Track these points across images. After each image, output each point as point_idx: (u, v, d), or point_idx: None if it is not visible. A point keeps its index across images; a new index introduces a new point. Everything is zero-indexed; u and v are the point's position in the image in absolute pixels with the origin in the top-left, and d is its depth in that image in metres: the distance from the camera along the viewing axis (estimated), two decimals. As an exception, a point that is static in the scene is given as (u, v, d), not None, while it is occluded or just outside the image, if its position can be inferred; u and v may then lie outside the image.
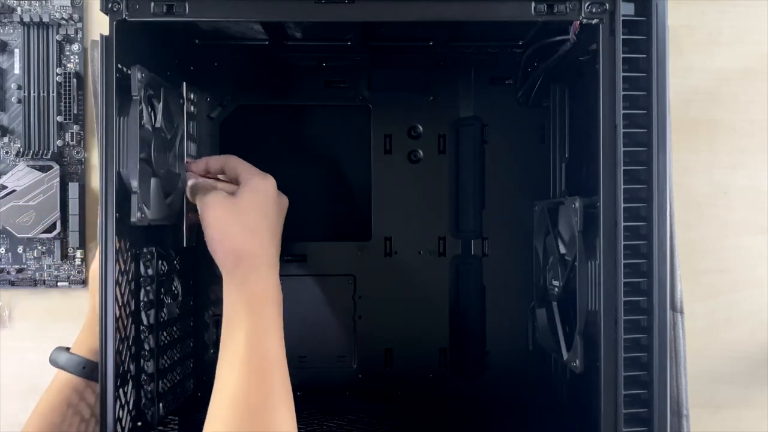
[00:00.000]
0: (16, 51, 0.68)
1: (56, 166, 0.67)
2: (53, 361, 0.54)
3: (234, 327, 0.49)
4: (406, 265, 0.68)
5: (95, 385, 0.52)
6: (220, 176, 0.58)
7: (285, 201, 0.58)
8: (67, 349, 0.55)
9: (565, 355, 0.56)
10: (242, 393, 0.46)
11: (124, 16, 0.47)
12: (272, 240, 0.54)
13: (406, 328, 0.68)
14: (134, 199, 0.49)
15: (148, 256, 0.55)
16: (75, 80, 0.68)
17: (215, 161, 0.58)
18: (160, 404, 0.57)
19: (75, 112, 0.68)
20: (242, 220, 0.52)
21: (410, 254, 0.68)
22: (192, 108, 0.62)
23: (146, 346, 0.55)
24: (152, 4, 0.47)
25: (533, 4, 0.48)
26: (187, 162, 0.58)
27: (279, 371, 0.48)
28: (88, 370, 0.53)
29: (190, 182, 0.57)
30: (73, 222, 0.67)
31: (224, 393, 0.47)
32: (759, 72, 0.71)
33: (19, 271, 0.69)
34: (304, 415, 0.63)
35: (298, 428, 0.58)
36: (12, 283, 0.69)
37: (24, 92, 0.68)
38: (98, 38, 0.47)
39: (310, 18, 0.48)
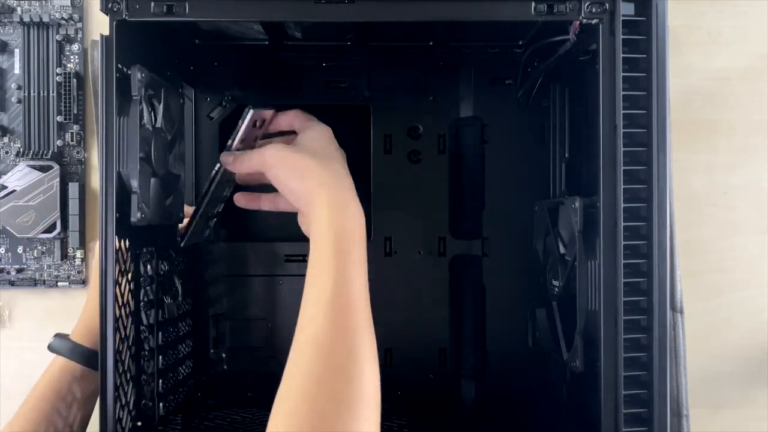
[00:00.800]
0: (16, 51, 0.68)
1: (56, 166, 0.67)
2: (52, 348, 0.55)
3: (320, 265, 0.46)
4: (406, 265, 0.68)
5: (92, 373, 0.53)
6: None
7: (343, 152, 0.56)
8: (67, 336, 0.55)
9: (565, 355, 0.56)
10: (326, 337, 0.44)
11: (124, 16, 0.47)
12: (349, 178, 0.52)
13: (406, 328, 0.68)
14: (134, 199, 0.49)
15: (148, 256, 0.55)
16: (75, 80, 0.68)
17: (275, 115, 0.56)
18: (160, 404, 0.57)
19: (75, 112, 0.68)
20: (314, 152, 0.51)
21: (410, 254, 0.68)
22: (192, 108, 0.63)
23: (146, 346, 0.55)
24: (152, 4, 0.47)
25: (533, 4, 0.48)
26: (228, 144, 0.55)
27: (364, 317, 0.46)
28: (87, 358, 0.54)
29: (231, 158, 0.54)
30: (73, 222, 0.67)
31: (307, 334, 0.44)
32: (759, 72, 0.71)
33: (19, 271, 0.69)
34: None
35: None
36: (12, 283, 0.69)
37: (24, 92, 0.68)
38: (98, 38, 0.47)
39: (310, 18, 0.48)
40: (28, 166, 0.67)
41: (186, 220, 0.60)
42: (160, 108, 0.53)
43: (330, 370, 0.43)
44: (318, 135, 0.53)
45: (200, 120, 0.67)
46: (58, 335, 0.55)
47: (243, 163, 0.52)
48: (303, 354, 0.44)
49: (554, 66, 0.59)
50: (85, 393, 0.54)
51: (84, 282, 0.69)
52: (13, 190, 0.67)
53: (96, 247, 0.51)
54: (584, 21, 0.48)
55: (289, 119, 0.56)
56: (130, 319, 0.52)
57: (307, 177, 0.49)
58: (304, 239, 0.68)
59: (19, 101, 0.68)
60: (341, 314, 0.45)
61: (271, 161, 0.51)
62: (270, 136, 0.57)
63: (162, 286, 0.58)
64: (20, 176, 0.67)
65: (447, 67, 0.68)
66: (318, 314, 0.45)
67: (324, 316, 0.44)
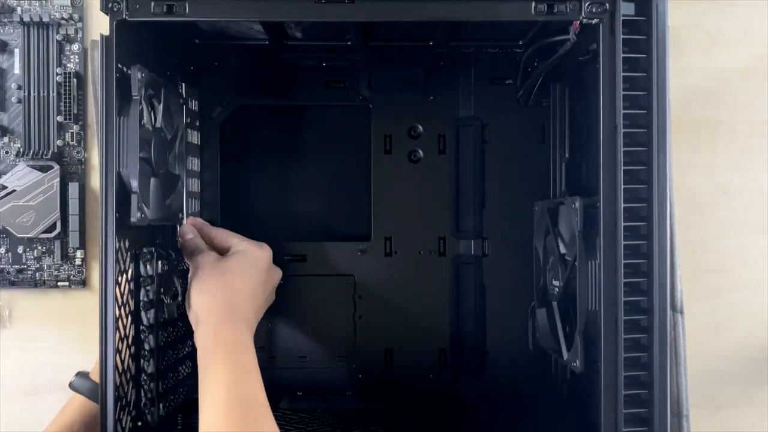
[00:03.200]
0: (16, 51, 0.68)
1: (56, 166, 0.67)
2: (74, 387, 0.54)
3: (211, 373, 0.48)
4: (406, 265, 0.68)
5: None
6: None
7: (278, 273, 0.59)
8: (88, 374, 0.55)
9: (565, 355, 0.56)
10: None
11: (124, 16, 0.47)
12: (252, 303, 0.54)
13: (406, 328, 0.68)
14: (134, 199, 0.49)
15: (148, 256, 0.55)
16: (75, 80, 0.68)
17: (208, 229, 0.59)
18: (160, 404, 0.57)
19: (75, 112, 0.68)
20: (225, 279, 0.53)
21: (410, 254, 0.68)
22: (193, 107, 0.63)
23: (146, 346, 0.55)
24: (152, 4, 0.47)
25: (533, 4, 0.48)
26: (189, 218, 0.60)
27: (263, 414, 0.47)
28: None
29: (186, 238, 0.57)
30: (73, 222, 0.67)
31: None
32: (759, 72, 0.71)
33: (19, 271, 0.69)
34: (305, 415, 0.63)
35: (299, 428, 0.58)
36: (12, 283, 0.69)
37: (24, 92, 0.68)
38: (98, 38, 0.47)
39: (310, 18, 0.48)
40: (28, 166, 0.67)
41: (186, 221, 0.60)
42: (160, 108, 0.53)
43: None
44: (242, 260, 0.55)
45: (201, 120, 0.67)
46: (79, 374, 0.55)
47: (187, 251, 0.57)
48: None
49: (554, 66, 0.59)
50: None
51: (84, 283, 0.69)
52: (13, 190, 0.67)
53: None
54: (584, 21, 0.48)
55: (218, 239, 0.58)
56: (129, 319, 0.52)
57: (204, 296, 0.52)
58: (304, 239, 0.68)
59: (19, 101, 0.68)
60: (238, 418, 0.45)
61: (192, 266, 0.54)
62: None
63: (162, 286, 0.58)
64: (20, 176, 0.67)
65: (447, 67, 0.68)
66: (215, 422, 0.45)
67: (223, 423, 0.45)
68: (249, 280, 0.54)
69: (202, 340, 0.50)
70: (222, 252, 0.57)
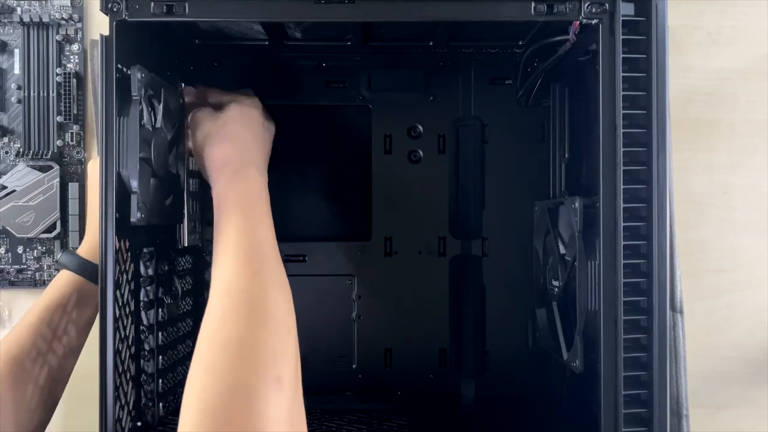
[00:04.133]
0: (16, 51, 0.68)
1: (56, 166, 0.67)
2: (61, 263, 0.55)
3: (224, 222, 0.49)
4: (406, 265, 0.68)
5: (95, 294, 0.51)
6: None
7: (272, 125, 0.60)
8: (75, 252, 0.56)
9: (565, 355, 0.56)
10: (234, 279, 0.45)
11: (124, 16, 0.47)
12: (258, 150, 0.56)
13: (406, 328, 0.68)
14: (134, 199, 0.49)
15: (148, 256, 0.55)
16: (75, 80, 0.68)
17: (201, 91, 0.60)
18: (160, 404, 0.57)
19: (75, 112, 0.68)
20: (226, 129, 0.54)
21: (410, 254, 0.68)
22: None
23: (146, 346, 0.55)
24: (152, 4, 0.47)
25: (533, 4, 0.48)
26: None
27: (272, 258, 0.48)
28: (93, 274, 0.53)
29: (187, 99, 0.59)
30: (73, 222, 0.67)
31: (218, 283, 0.46)
32: (759, 72, 0.71)
33: (19, 271, 0.69)
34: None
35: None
36: (12, 283, 0.69)
37: (24, 92, 0.68)
38: (98, 38, 0.47)
39: (310, 18, 0.48)
40: (28, 166, 0.67)
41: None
42: (160, 108, 0.53)
43: (242, 306, 0.44)
44: (237, 109, 0.56)
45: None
46: (67, 251, 0.56)
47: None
48: (216, 305, 0.44)
49: (554, 66, 0.59)
50: (84, 316, 0.54)
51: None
52: (13, 190, 0.67)
53: (90, 167, 0.57)
54: (584, 21, 0.48)
55: (212, 100, 0.59)
56: (129, 319, 0.52)
57: (212, 148, 0.53)
58: (304, 239, 0.68)
59: (19, 101, 0.68)
60: (248, 261, 0.46)
61: (192, 122, 0.56)
62: None
63: (162, 286, 0.58)
64: (20, 176, 0.67)
65: (447, 67, 0.68)
66: (225, 264, 0.46)
67: (231, 266, 0.46)
68: (249, 126, 0.56)
69: (217, 192, 0.51)
70: (216, 109, 0.58)
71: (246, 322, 0.42)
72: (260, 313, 0.43)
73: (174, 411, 0.61)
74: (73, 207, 0.67)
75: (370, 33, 0.60)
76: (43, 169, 0.67)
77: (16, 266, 0.69)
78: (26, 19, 0.67)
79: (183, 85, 0.60)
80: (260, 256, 0.47)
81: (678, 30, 0.70)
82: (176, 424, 0.59)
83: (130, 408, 0.52)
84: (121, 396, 0.49)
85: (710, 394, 0.71)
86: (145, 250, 0.55)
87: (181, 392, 0.63)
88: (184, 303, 0.64)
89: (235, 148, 0.53)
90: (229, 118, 0.55)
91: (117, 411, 0.48)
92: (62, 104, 0.68)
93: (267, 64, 0.67)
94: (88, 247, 0.56)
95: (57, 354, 0.52)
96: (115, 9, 0.47)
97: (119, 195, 0.48)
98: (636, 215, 0.47)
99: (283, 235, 0.68)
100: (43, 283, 0.69)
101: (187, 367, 0.65)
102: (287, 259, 0.67)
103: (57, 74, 0.68)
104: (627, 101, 0.47)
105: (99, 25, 0.69)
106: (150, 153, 0.51)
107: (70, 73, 0.68)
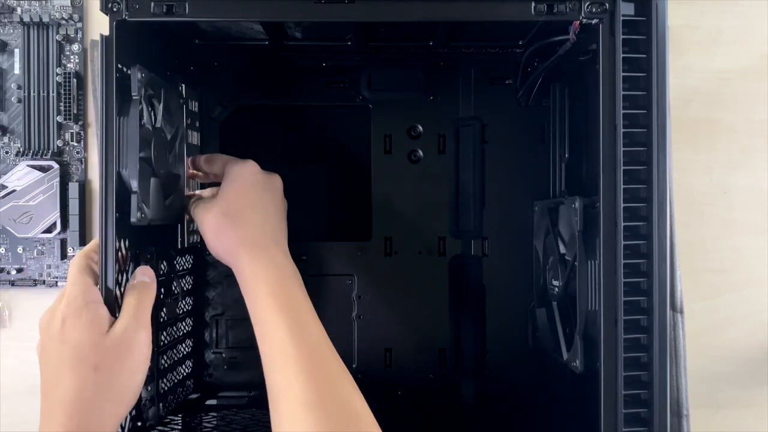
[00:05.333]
0: (16, 51, 0.68)
1: (56, 166, 0.67)
2: None
3: (272, 325, 0.46)
4: (406, 265, 0.68)
5: None
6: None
7: (276, 179, 0.57)
8: None
9: (565, 355, 0.56)
10: (313, 390, 0.43)
11: (124, 16, 0.47)
12: (267, 222, 0.53)
13: (406, 328, 0.68)
14: (134, 199, 0.49)
15: (148, 256, 0.55)
16: (75, 80, 0.68)
17: (200, 160, 0.59)
18: (160, 404, 0.57)
19: (75, 112, 0.68)
20: (228, 214, 0.51)
21: (410, 254, 0.68)
22: (194, 108, 0.62)
23: (146, 346, 0.55)
24: (152, 4, 0.47)
25: (533, 4, 0.48)
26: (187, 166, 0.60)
27: (335, 360, 0.46)
28: None
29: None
30: (73, 222, 0.67)
31: (291, 393, 0.43)
32: (759, 72, 0.71)
33: (19, 271, 0.69)
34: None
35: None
36: (12, 283, 0.69)
37: (24, 92, 0.68)
38: (98, 38, 0.47)
39: (310, 18, 0.48)
40: (28, 165, 0.67)
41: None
42: (160, 108, 0.53)
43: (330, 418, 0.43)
44: (236, 183, 0.53)
45: (201, 120, 0.67)
46: None
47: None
48: (305, 419, 0.42)
49: (554, 66, 0.59)
50: None
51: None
52: (13, 190, 0.67)
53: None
54: (584, 21, 0.48)
55: (208, 166, 0.58)
56: (130, 319, 0.51)
57: (222, 237, 0.51)
58: (304, 239, 0.68)
59: (19, 101, 0.68)
60: (315, 369, 0.45)
61: (196, 220, 0.54)
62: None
63: (162, 286, 0.58)
64: (20, 176, 0.67)
65: (447, 67, 0.68)
66: (292, 376, 0.44)
67: (299, 378, 0.44)
68: (252, 201, 0.53)
69: (248, 288, 0.49)
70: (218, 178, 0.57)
71: None
72: (353, 420, 0.43)
73: (174, 411, 0.61)
74: (73, 207, 0.67)
75: (370, 33, 0.60)
76: (43, 168, 0.67)
77: (16, 266, 0.69)
78: (26, 18, 0.67)
79: (184, 86, 0.60)
80: (324, 357, 0.46)
81: (678, 30, 0.70)
82: (176, 424, 0.60)
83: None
84: (121, 396, 0.49)
85: (710, 394, 0.71)
86: (145, 250, 0.55)
87: (181, 392, 0.63)
88: (184, 303, 0.64)
89: (244, 233, 0.50)
90: (228, 200, 0.52)
91: (117, 411, 0.48)
92: (62, 104, 0.68)
93: (267, 64, 0.67)
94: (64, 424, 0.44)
95: None
96: (115, 9, 0.47)
97: (119, 195, 0.48)
98: (636, 215, 0.47)
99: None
100: (43, 283, 0.69)
101: (187, 367, 0.65)
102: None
103: (57, 74, 0.68)
104: (627, 101, 0.47)
105: (99, 25, 0.69)
106: (150, 153, 0.51)
107: (70, 73, 0.68)
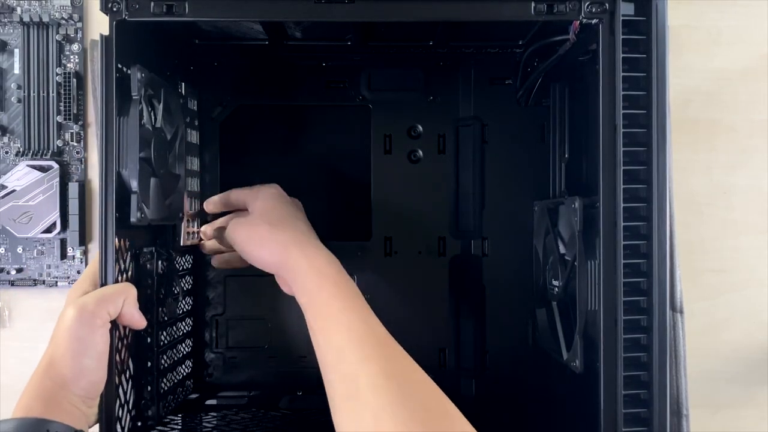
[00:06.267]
0: (16, 51, 0.68)
1: (56, 166, 0.67)
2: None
3: (336, 319, 0.47)
4: (406, 265, 0.68)
5: None
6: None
7: (298, 202, 0.60)
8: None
9: (565, 355, 0.56)
10: (390, 378, 0.43)
11: (124, 16, 0.47)
12: (306, 226, 0.55)
13: (406, 328, 0.68)
14: (134, 199, 0.49)
15: (148, 256, 0.55)
16: (75, 80, 0.68)
17: (219, 198, 0.61)
18: (160, 404, 0.57)
19: (75, 112, 0.68)
20: (271, 222, 0.53)
21: (410, 254, 0.68)
22: (194, 108, 0.62)
23: (146, 346, 0.55)
24: (152, 4, 0.47)
25: (533, 4, 0.48)
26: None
27: (399, 347, 0.47)
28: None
29: (209, 231, 0.61)
30: (73, 222, 0.67)
31: (376, 395, 0.42)
32: (759, 72, 0.71)
33: (19, 271, 0.69)
34: (304, 415, 0.63)
35: (298, 428, 0.58)
36: (12, 283, 0.69)
37: (24, 92, 0.68)
38: (98, 38, 0.47)
39: (310, 18, 0.48)
40: (27, 165, 0.67)
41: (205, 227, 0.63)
42: (160, 108, 0.53)
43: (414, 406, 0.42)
44: (265, 200, 0.56)
45: (200, 120, 0.67)
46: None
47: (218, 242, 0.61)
48: (384, 417, 0.41)
49: (554, 66, 0.59)
50: None
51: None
52: (13, 190, 0.67)
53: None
54: (584, 21, 0.48)
55: (233, 199, 0.59)
56: (130, 319, 0.52)
57: (267, 244, 0.52)
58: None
59: (19, 101, 0.68)
60: (389, 355, 0.45)
61: (234, 238, 0.54)
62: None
63: (162, 286, 0.58)
64: (20, 176, 0.67)
65: (447, 67, 0.68)
66: (364, 359, 0.44)
67: (371, 360, 0.44)
68: (286, 211, 0.56)
69: (307, 286, 0.49)
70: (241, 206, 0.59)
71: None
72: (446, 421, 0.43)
73: (174, 411, 0.61)
74: (73, 207, 0.67)
75: (370, 33, 0.60)
76: (43, 168, 0.67)
77: (16, 266, 0.69)
78: (26, 18, 0.67)
79: (184, 85, 0.60)
80: (395, 348, 0.47)
81: (678, 30, 0.71)
82: (176, 424, 0.60)
83: (130, 408, 0.52)
84: (121, 396, 0.49)
85: (710, 394, 0.71)
86: (145, 249, 0.55)
87: (181, 392, 0.63)
88: (184, 302, 0.64)
89: (294, 237, 0.52)
90: (263, 212, 0.55)
91: (117, 410, 0.48)
92: (62, 104, 0.68)
93: (267, 63, 0.67)
94: (26, 399, 0.44)
95: None
96: (115, 9, 0.47)
97: (119, 195, 0.48)
98: (636, 215, 0.47)
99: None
100: (43, 283, 0.69)
101: (187, 367, 0.65)
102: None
103: (57, 74, 0.68)
104: (627, 101, 0.47)
105: (99, 24, 0.69)
106: (150, 153, 0.51)
107: (70, 73, 0.68)
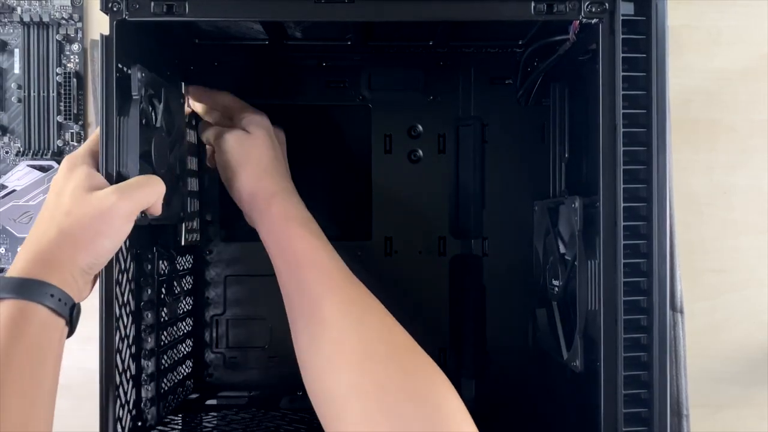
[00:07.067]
0: (16, 51, 0.68)
1: (56, 166, 0.67)
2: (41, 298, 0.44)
3: (309, 258, 0.50)
4: (406, 265, 0.68)
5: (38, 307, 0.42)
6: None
7: (281, 133, 0.61)
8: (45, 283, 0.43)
9: (565, 355, 0.56)
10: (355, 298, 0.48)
11: (124, 16, 0.47)
12: (284, 171, 0.58)
13: (406, 328, 0.68)
14: (134, 198, 0.49)
15: (149, 256, 0.55)
16: (75, 80, 0.68)
17: (207, 92, 0.61)
18: (160, 404, 0.57)
19: (75, 111, 0.68)
20: (257, 163, 0.55)
21: (410, 254, 0.68)
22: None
23: (146, 346, 0.55)
24: (152, 3, 0.47)
25: (533, 4, 0.48)
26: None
27: (356, 282, 0.50)
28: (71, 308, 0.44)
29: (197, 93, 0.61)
30: (73, 222, 0.67)
31: (350, 347, 0.46)
32: (759, 72, 0.71)
33: (19, 271, 0.69)
34: (305, 414, 0.63)
35: (298, 428, 0.58)
36: (12, 283, 0.69)
37: (24, 92, 0.68)
38: (98, 38, 0.47)
39: (310, 18, 0.48)
40: (28, 165, 0.67)
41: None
42: (160, 108, 0.53)
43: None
44: (259, 132, 0.57)
45: (201, 120, 0.67)
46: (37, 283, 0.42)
47: (203, 129, 0.60)
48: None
49: (554, 66, 0.59)
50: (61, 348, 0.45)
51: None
52: (13, 190, 0.67)
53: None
54: (584, 21, 0.48)
55: (221, 103, 0.60)
56: (130, 319, 0.52)
57: (247, 181, 0.54)
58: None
59: (19, 101, 0.68)
60: (352, 286, 0.49)
61: (224, 156, 0.56)
62: None
63: (162, 286, 0.58)
64: (20, 176, 0.67)
65: (447, 67, 0.68)
66: (328, 289, 0.48)
67: (336, 290, 0.48)
68: (273, 151, 0.57)
69: (270, 220, 0.53)
70: (227, 113, 0.60)
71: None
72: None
73: (174, 411, 0.61)
74: (73, 207, 0.67)
75: (370, 33, 0.60)
76: (43, 168, 0.67)
77: (16, 266, 0.69)
78: (26, 18, 0.67)
79: (184, 84, 0.60)
80: (354, 279, 0.50)
81: (678, 30, 0.71)
82: (176, 424, 0.60)
83: (130, 408, 0.52)
84: (122, 396, 0.50)
85: (710, 394, 0.71)
86: (145, 249, 0.55)
87: (181, 392, 0.63)
88: (184, 303, 0.64)
89: (271, 176, 0.55)
90: (256, 145, 0.56)
91: (117, 411, 0.48)
92: (62, 104, 0.68)
93: (267, 63, 0.67)
94: (27, 261, 0.43)
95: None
96: (115, 9, 0.47)
97: (119, 195, 0.47)
98: (636, 214, 0.47)
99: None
100: (43, 283, 0.69)
101: (187, 367, 0.65)
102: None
103: (57, 74, 0.68)
104: (627, 101, 0.47)
105: (99, 24, 0.69)
106: (150, 153, 0.51)
107: (70, 73, 0.68)
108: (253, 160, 0.55)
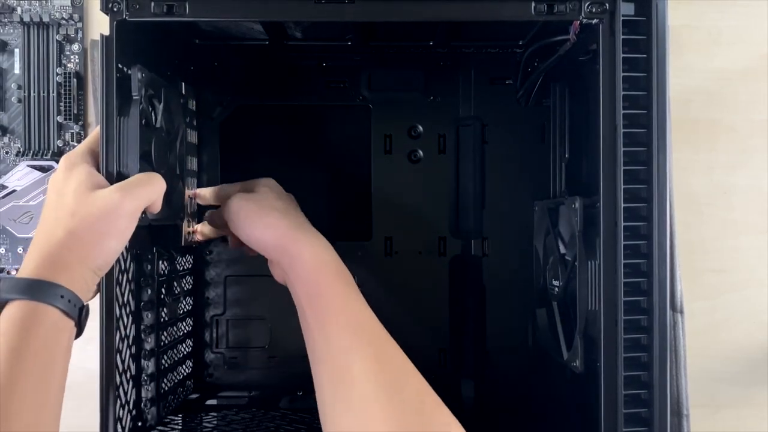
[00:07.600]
0: (16, 51, 0.68)
1: (56, 166, 0.67)
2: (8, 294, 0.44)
3: (334, 302, 0.48)
4: (406, 265, 0.68)
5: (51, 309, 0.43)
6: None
7: (291, 195, 0.59)
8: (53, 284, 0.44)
9: (565, 355, 0.56)
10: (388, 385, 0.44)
11: (124, 16, 0.47)
12: (302, 216, 0.55)
13: (406, 329, 0.68)
14: (134, 199, 0.49)
15: (149, 257, 0.55)
16: (75, 80, 0.68)
17: (211, 191, 0.61)
18: (161, 404, 0.57)
19: (75, 112, 0.68)
20: (271, 205, 0.53)
21: (410, 254, 0.68)
22: (193, 107, 0.62)
23: (146, 346, 0.55)
24: (152, 4, 0.47)
25: (533, 4, 0.48)
26: (194, 192, 0.62)
27: (388, 339, 0.48)
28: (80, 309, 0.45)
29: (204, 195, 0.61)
30: (73, 222, 0.67)
31: (366, 386, 0.44)
32: (759, 72, 0.71)
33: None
34: (305, 414, 0.63)
35: (298, 428, 0.58)
36: (12, 283, 0.69)
37: (24, 92, 0.68)
38: (98, 38, 0.47)
39: (310, 18, 0.48)
40: (28, 165, 0.67)
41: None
42: (161, 108, 0.53)
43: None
44: (266, 187, 0.56)
45: (201, 120, 0.67)
46: (7, 280, 0.44)
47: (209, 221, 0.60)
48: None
49: (554, 66, 0.59)
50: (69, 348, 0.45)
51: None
52: (13, 190, 0.67)
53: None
54: (584, 21, 0.48)
55: (228, 193, 0.58)
56: (130, 319, 0.52)
57: (270, 227, 0.51)
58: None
59: (19, 101, 0.68)
60: (382, 345, 0.47)
61: (237, 213, 0.53)
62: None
63: (162, 286, 0.58)
64: (20, 176, 0.67)
65: (447, 67, 0.68)
66: (357, 347, 0.46)
67: (365, 349, 0.46)
68: (285, 201, 0.56)
69: (305, 270, 0.50)
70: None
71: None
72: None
73: (174, 411, 0.61)
74: (73, 207, 0.67)
75: (370, 33, 0.60)
76: (43, 169, 0.67)
77: (16, 266, 0.69)
78: (26, 18, 0.67)
79: (184, 85, 0.60)
80: (386, 335, 0.49)
81: (678, 30, 0.71)
82: (176, 424, 0.60)
83: (130, 408, 0.52)
84: (122, 396, 0.50)
85: (710, 394, 0.71)
86: (145, 250, 0.55)
87: (181, 392, 0.63)
88: (184, 303, 0.64)
89: (299, 226, 0.52)
90: (265, 196, 0.54)
91: (117, 411, 0.48)
92: (62, 104, 0.68)
93: (267, 64, 0.67)
94: (37, 263, 0.44)
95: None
96: (115, 9, 0.47)
97: (119, 195, 0.47)
98: (636, 215, 0.47)
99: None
100: (43, 283, 0.69)
101: (187, 368, 0.65)
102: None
103: (57, 74, 0.68)
104: (627, 101, 0.47)
105: (99, 24, 0.69)
106: (150, 153, 0.51)
107: (70, 73, 0.68)
108: (267, 207, 0.53)
